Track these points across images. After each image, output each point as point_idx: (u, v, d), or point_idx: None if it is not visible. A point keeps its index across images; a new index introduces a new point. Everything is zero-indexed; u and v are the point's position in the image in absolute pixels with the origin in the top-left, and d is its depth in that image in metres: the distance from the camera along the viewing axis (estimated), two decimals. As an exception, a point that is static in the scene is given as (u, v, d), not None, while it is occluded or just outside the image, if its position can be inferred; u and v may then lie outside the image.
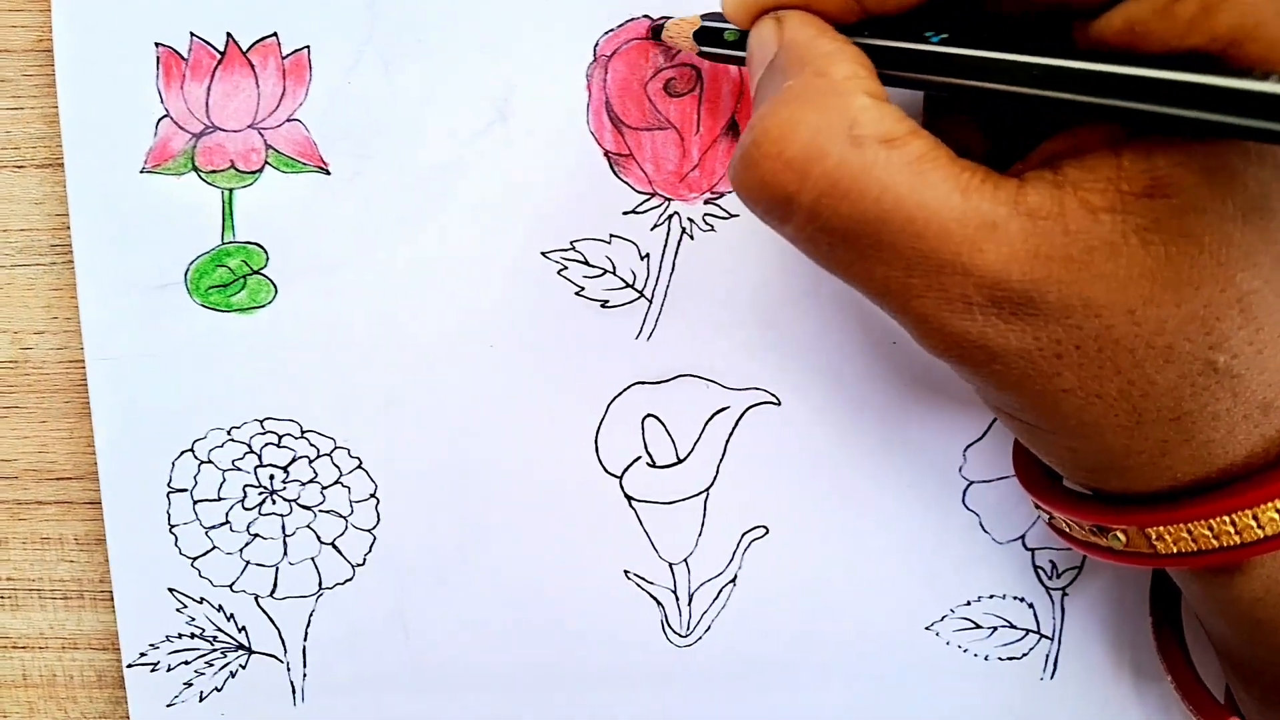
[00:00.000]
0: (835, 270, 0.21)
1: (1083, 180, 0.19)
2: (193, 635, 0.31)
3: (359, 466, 0.31)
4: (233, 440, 0.30)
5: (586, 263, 0.29)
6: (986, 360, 0.20)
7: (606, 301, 0.30)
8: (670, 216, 0.29)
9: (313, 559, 0.31)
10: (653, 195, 0.29)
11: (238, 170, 0.29)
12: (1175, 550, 0.22)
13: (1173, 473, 0.21)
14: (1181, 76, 0.17)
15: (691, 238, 0.29)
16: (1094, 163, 0.19)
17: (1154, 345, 0.19)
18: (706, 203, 0.29)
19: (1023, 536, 0.31)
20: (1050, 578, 0.32)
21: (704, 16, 0.25)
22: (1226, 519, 0.21)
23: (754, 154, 0.20)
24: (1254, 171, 0.19)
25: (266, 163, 0.29)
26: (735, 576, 0.31)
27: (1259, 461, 0.21)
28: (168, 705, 0.32)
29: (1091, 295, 0.19)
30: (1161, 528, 0.22)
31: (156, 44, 0.28)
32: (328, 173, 0.29)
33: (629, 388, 0.30)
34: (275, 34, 0.28)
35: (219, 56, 0.28)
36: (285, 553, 0.31)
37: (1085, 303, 0.19)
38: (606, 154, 0.29)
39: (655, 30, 0.28)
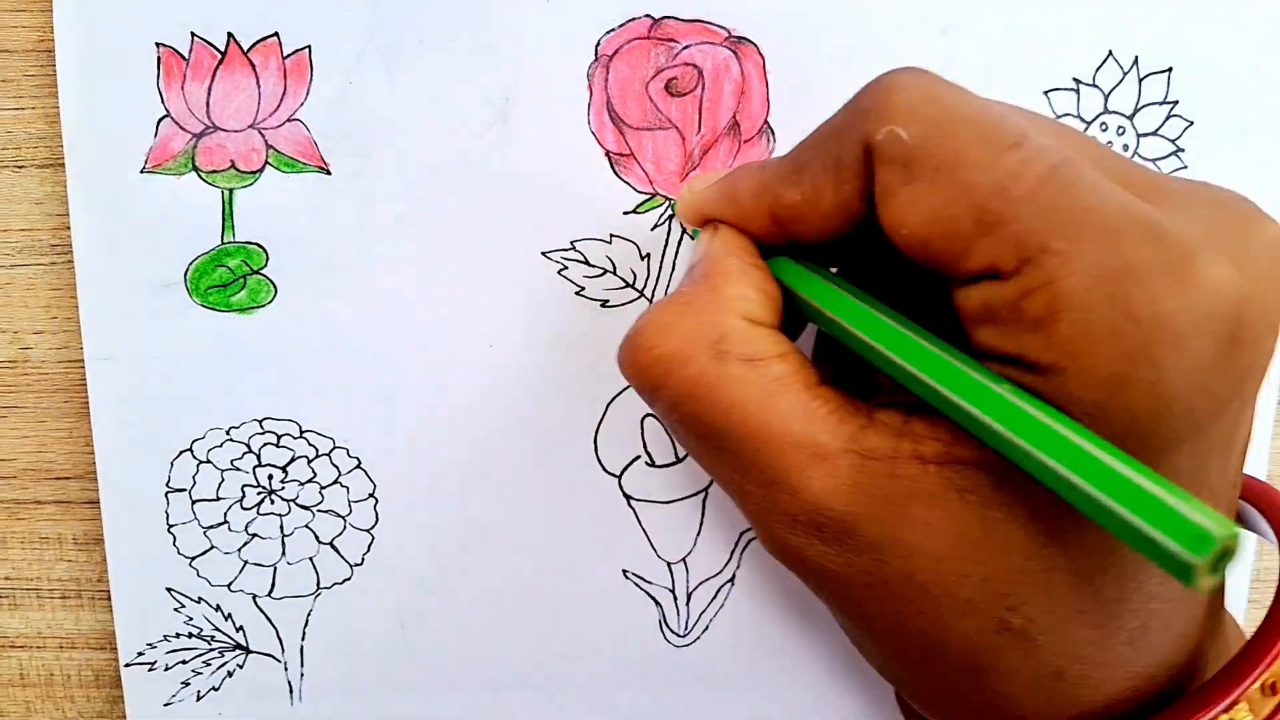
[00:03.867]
0: (692, 456, 0.23)
1: (925, 435, 0.20)
2: (190, 635, 0.31)
3: (358, 466, 0.31)
4: (231, 440, 0.30)
5: (587, 262, 0.29)
6: (806, 571, 0.22)
7: (607, 301, 0.30)
8: (671, 217, 0.29)
9: (311, 559, 0.31)
10: (654, 195, 0.29)
11: (238, 170, 0.29)
12: None
13: (973, 716, 0.22)
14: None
15: (692, 238, 0.29)
16: (940, 422, 0.20)
17: (955, 595, 0.20)
18: (706, 203, 0.29)
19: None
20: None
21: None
22: None
23: (634, 340, 0.22)
24: None
25: (267, 163, 0.29)
26: (733, 576, 0.31)
27: None
28: (165, 705, 0.32)
29: (904, 537, 0.20)
30: None
31: (157, 44, 0.28)
32: (328, 173, 0.29)
33: (628, 387, 0.30)
34: (276, 34, 0.28)
35: (220, 56, 0.28)
36: (283, 552, 0.31)
37: (897, 543, 0.20)
38: (607, 153, 0.29)
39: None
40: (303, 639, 0.31)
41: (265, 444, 0.30)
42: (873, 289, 0.23)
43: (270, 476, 0.31)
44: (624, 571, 0.31)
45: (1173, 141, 0.29)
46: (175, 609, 0.31)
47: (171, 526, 0.31)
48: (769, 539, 0.22)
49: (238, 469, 0.30)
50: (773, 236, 0.23)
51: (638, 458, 0.30)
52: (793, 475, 0.20)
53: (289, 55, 0.28)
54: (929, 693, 0.22)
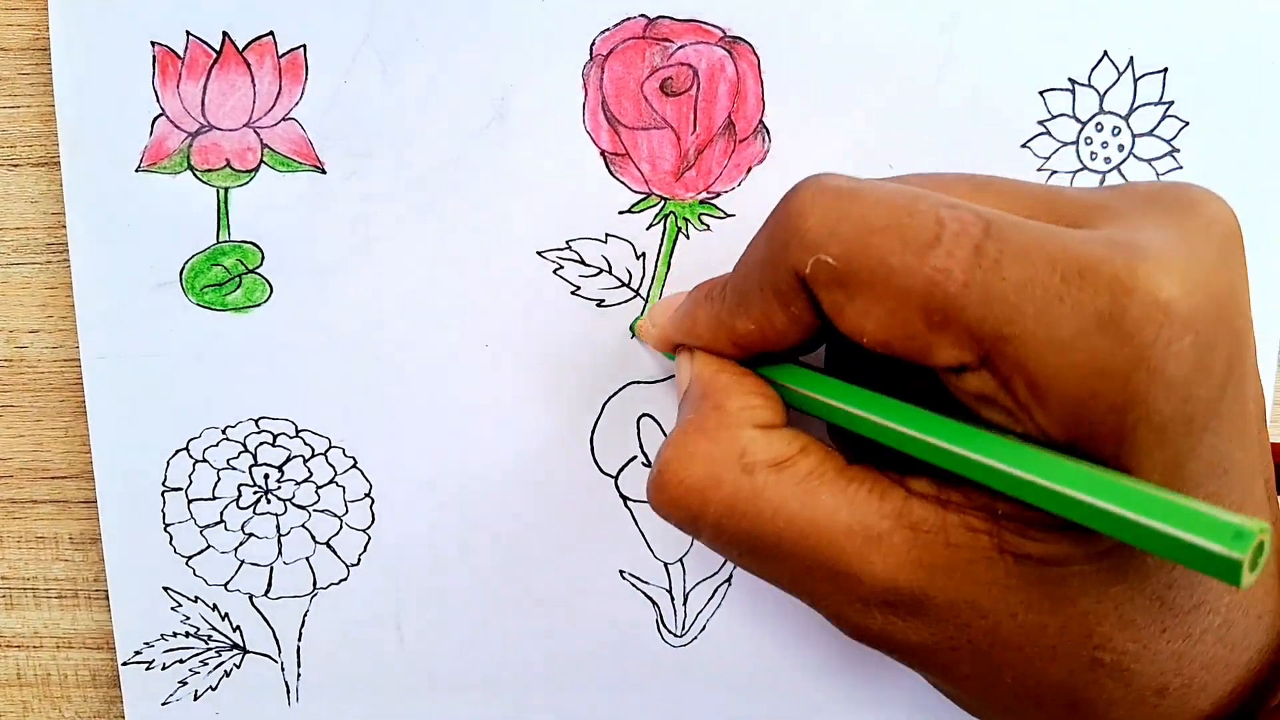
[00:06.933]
0: (750, 571, 0.23)
1: (964, 504, 0.20)
2: (188, 634, 0.31)
3: (354, 466, 0.31)
4: (228, 439, 0.30)
5: (582, 262, 0.29)
6: (893, 649, 0.22)
7: (602, 301, 0.30)
8: (666, 216, 0.29)
9: (307, 559, 0.31)
10: (649, 195, 0.29)
11: (233, 169, 0.29)
12: None
13: None
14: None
15: (687, 237, 0.29)
16: (973, 486, 0.20)
17: (1039, 644, 0.20)
18: (702, 202, 0.29)
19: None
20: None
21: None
22: None
23: (661, 479, 0.22)
24: None
25: (262, 162, 0.29)
26: (730, 576, 0.31)
27: None
28: (162, 704, 0.32)
29: (975, 599, 0.20)
30: None
31: (153, 43, 0.28)
32: (323, 172, 0.29)
33: (624, 387, 0.30)
34: (271, 33, 0.28)
35: (215, 55, 0.28)
36: (280, 552, 0.31)
37: (970, 605, 0.20)
38: (603, 153, 0.29)
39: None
40: (299, 639, 0.31)
41: (261, 443, 0.30)
42: (857, 374, 0.23)
43: (266, 476, 0.31)
44: (621, 572, 0.31)
45: (1168, 142, 0.29)
46: (172, 608, 0.31)
47: (168, 526, 0.31)
48: (851, 628, 0.22)
49: (234, 468, 0.30)
50: (742, 357, 0.23)
51: (634, 458, 0.30)
52: (854, 563, 0.20)
53: (284, 54, 0.28)
54: None
